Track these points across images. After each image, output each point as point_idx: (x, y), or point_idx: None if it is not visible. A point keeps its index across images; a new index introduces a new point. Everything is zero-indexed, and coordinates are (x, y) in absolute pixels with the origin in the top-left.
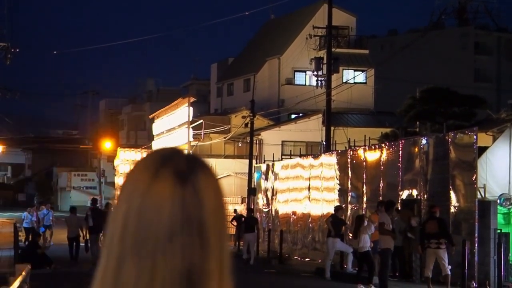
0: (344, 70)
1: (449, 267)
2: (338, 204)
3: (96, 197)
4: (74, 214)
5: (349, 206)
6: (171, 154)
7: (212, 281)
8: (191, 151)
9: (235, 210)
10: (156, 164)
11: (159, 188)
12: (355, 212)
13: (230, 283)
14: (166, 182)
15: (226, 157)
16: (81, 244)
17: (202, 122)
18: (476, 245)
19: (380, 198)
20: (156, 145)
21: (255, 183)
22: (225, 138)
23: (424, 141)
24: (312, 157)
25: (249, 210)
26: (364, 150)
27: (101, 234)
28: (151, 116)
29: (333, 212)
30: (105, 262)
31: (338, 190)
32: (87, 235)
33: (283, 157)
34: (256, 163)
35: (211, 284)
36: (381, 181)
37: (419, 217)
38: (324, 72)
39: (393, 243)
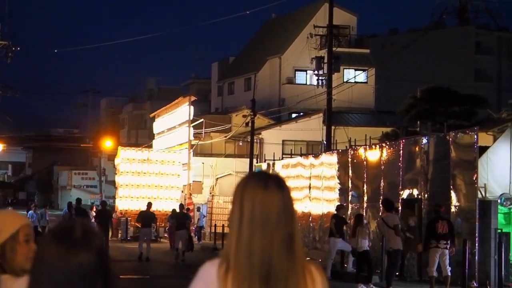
0: (345, 70)
1: (449, 268)
2: (338, 203)
3: (97, 196)
4: (71, 210)
5: (350, 206)
6: (268, 173)
7: (298, 239)
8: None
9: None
10: (264, 180)
11: (272, 191)
12: (355, 212)
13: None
14: (274, 189)
15: (227, 156)
16: None
17: (202, 121)
18: (476, 244)
19: (381, 197)
20: (157, 144)
21: None
22: (225, 137)
23: (424, 141)
24: (312, 156)
25: None
26: (365, 149)
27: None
28: (152, 115)
29: (335, 212)
30: (237, 235)
31: (339, 190)
32: None
33: (283, 156)
34: (257, 162)
35: (298, 241)
36: (382, 180)
37: (417, 216)
38: (325, 71)
39: (402, 244)
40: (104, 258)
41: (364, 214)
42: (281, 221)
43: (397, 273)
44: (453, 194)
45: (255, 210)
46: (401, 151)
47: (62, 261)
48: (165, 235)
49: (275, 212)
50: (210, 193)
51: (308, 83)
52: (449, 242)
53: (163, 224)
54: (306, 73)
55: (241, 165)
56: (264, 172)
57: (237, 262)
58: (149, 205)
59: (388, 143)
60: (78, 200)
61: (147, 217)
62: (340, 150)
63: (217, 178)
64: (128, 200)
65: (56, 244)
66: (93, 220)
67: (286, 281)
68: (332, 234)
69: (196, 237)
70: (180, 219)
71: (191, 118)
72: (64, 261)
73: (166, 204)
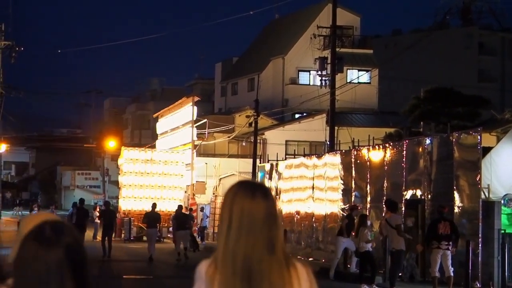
0: (348, 70)
1: (452, 268)
2: (342, 203)
3: (101, 196)
4: (72, 210)
5: (347, 211)
6: (255, 183)
7: (280, 241)
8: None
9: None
10: (252, 190)
11: (258, 201)
12: (359, 212)
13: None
14: (260, 199)
15: (230, 156)
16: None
17: (206, 122)
18: (480, 245)
19: (384, 198)
20: (160, 144)
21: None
22: (229, 137)
23: (428, 141)
24: (316, 156)
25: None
26: (368, 150)
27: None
28: (155, 115)
29: (348, 212)
30: (225, 239)
31: (342, 190)
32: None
33: (287, 156)
34: (260, 163)
35: (280, 243)
36: (385, 181)
37: (421, 217)
38: (328, 72)
39: (405, 244)
40: (74, 254)
41: (368, 214)
42: (265, 227)
43: (400, 274)
44: (456, 195)
45: (243, 218)
46: (405, 152)
47: (34, 258)
48: (169, 235)
49: (260, 219)
50: (213, 193)
51: (311, 83)
52: (451, 243)
53: (166, 225)
54: (310, 74)
55: (244, 166)
56: (251, 182)
57: (223, 264)
58: (154, 205)
59: (391, 143)
60: (81, 200)
61: (152, 217)
62: (343, 151)
63: (220, 179)
64: (131, 200)
65: (30, 243)
66: (97, 220)
67: (269, 280)
68: (341, 233)
69: (199, 237)
70: (180, 219)
71: (195, 119)
72: (36, 258)
73: (169, 204)
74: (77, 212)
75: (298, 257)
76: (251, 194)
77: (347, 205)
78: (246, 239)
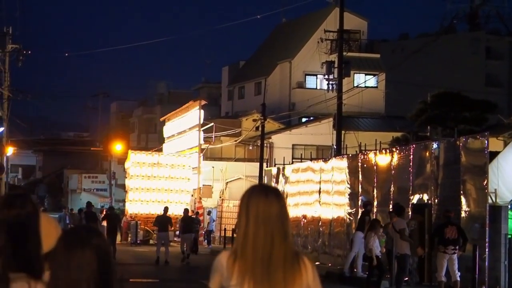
0: (355, 74)
1: (459, 273)
2: (348, 207)
3: (107, 199)
4: (80, 215)
5: (360, 210)
6: (268, 186)
7: (291, 235)
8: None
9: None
10: (265, 191)
11: (272, 199)
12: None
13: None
14: (273, 198)
15: (237, 160)
16: None
17: (213, 125)
18: (486, 250)
19: (391, 202)
20: (167, 148)
21: None
22: (235, 141)
23: (435, 146)
24: (322, 160)
25: None
26: (375, 154)
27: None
28: (162, 119)
29: (363, 209)
30: (244, 232)
31: (349, 194)
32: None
33: (293, 160)
34: (267, 167)
35: (291, 237)
36: (392, 185)
37: (427, 221)
38: (335, 76)
39: (409, 248)
40: (102, 254)
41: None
42: (279, 221)
43: (406, 278)
44: (463, 199)
45: (259, 213)
46: (411, 156)
47: (69, 255)
48: (175, 238)
49: (274, 215)
50: (220, 197)
51: (318, 87)
52: (457, 247)
53: (173, 228)
54: (317, 78)
55: (251, 169)
56: (265, 185)
57: (244, 253)
58: (166, 209)
59: (398, 148)
60: (88, 204)
61: (163, 221)
62: (350, 155)
63: (227, 182)
64: (138, 204)
65: (64, 242)
66: (103, 223)
67: (284, 266)
68: (360, 229)
69: (206, 241)
70: (186, 222)
71: (201, 122)
72: (70, 256)
73: (176, 208)
74: (85, 215)
75: None
76: (265, 195)
77: (354, 209)
78: (264, 229)
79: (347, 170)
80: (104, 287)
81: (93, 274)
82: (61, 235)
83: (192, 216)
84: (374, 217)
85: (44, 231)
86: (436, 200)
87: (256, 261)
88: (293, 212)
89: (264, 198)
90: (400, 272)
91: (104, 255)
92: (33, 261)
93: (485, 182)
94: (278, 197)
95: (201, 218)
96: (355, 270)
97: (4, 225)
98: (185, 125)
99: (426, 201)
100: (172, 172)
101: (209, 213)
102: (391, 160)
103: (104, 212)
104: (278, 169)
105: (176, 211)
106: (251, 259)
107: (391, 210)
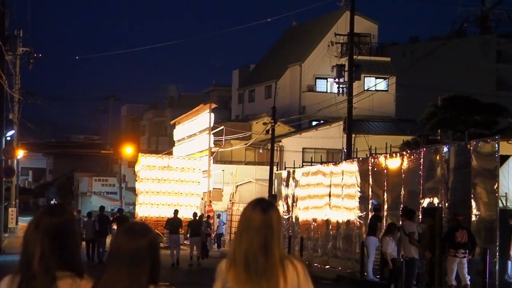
0: (365, 78)
1: (469, 277)
2: (358, 211)
3: (117, 202)
4: (91, 218)
5: (370, 214)
6: (260, 199)
7: (278, 242)
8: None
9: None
10: (254, 204)
11: (258, 212)
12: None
13: (284, 251)
14: (259, 210)
15: (247, 163)
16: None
17: (223, 129)
18: (497, 254)
19: (401, 206)
20: (177, 151)
21: (275, 190)
22: (246, 144)
23: (445, 149)
24: (333, 164)
25: None
26: (385, 157)
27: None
28: (172, 122)
29: (374, 212)
30: (236, 238)
31: (359, 198)
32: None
33: (304, 164)
34: (277, 170)
35: (275, 250)
36: (402, 189)
37: (438, 225)
38: (346, 79)
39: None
40: (154, 245)
41: (384, 222)
42: (266, 230)
43: (415, 282)
44: (473, 203)
45: (247, 224)
46: (422, 160)
47: (128, 243)
48: (185, 242)
49: (260, 225)
50: (230, 200)
51: (328, 91)
52: (467, 251)
53: (183, 232)
54: (327, 81)
55: (261, 173)
56: (259, 198)
57: (235, 259)
58: (176, 212)
59: (408, 151)
60: (101, 208)
61: (174, 223)
62: (360, 158)
63: (237, 186)
64: (148, 207)
65: (124, 234)
66: (114, 226)
67: (271, 271)
68: (372, 233)
69: (216, 244)
70: (193, 226)
71: (212, 126)
72: (129, 244)
73: (186, 211)
74: (99, 219)
75: (315, 264)
76: (253, 207)
77: (364, 213)
78: (251, 238)
79: (357, 174)
80: (154, 270)
81: (146, 259)
82: (124, 228)
83: (203, 219)
84: (385, 220)
85: None
86: (446, 204)
87: (244, 266)
88: (303, 215)
89: (251, 210)
90: (409, 276)
91: (155, 245)
92: (74, 261)
93: (496, 186)
94: (264, 211)
95: (211, 221)
96: (365, 274)
97: (47, 231)
98: (195, 128)
99: (436, 205)
100: (182, 175)
101: (218, 216)
102: (402, 164)
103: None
104: (288, 172)
105: (186, 214)
106: (241, 265)
107: (400, 213)
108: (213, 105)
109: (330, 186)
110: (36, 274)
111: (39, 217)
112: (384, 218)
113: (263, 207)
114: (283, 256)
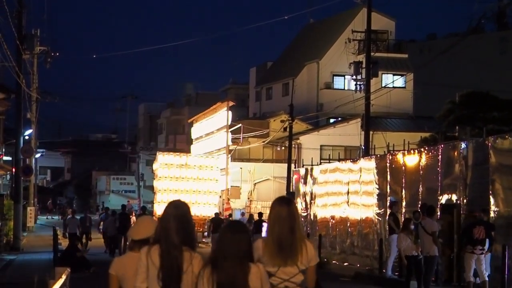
0: (383, 75)
1: (487, 273)
2: (377, 208)
3: (136, 201)
4: (113, 216)
5: (388, 211)
6: (283, 197)
7: (297, 228)
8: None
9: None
10: (279, 200)
11: (283, 206)
12: (398, 208)
13: (303, 233)
14: (285, 205)
15: (265, 161)
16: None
17: (240, 126)
18: None
19: (420, 202)
20: (195, 149)
21: (293, 187)
22: (263, 142)
23: (463, 146)
24: (351, 161)
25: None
26: (403, 154)
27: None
28: (189, 120)
29: (390, 210)
30: (268, 225)
31: (377, 195)
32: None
33: (321, 161)
34: (295, 168)
35: (297, 231)
36: (420, 185)
37: (456, 221)
38: (363, 76)
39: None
40: (250, 239)
41: (402, 219)
42: (289, 220)
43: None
44: (492, 199)
45: (275, 215)
46: (440, 156)
47: (231, 238)
48: (203, 240)
49: (285, 216)
50: (248, 198)
51: (346, 88)
52: (485, 247)
53: (201, 229)
54: (344, 78)
55: (279, 170)
56: (282, 196)
57: (270, 239)
58: (217, 214)
59: (426, 148)
60: (123, 206)
61: (217, 222)
62: (378, 155)
63: (255, 183)
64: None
65: (228, 230)
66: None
67: (290, 248)
68: (392, 232)
69: None
70: (216, 223)
71: (229, 123)
72: (232, 238)
73: (204, 209)
74: (120, 216)
75: (333, 261)
76: (279, 203)
77: (382, 210)
78: (279, 225)
79: (375, 171)
80: (250, 257)
81: (244, 249)
82: (227, 224)
83: (221, 217)
84: (402, 218)
85: (143, 224)
86: (464, 200)
87: (278, 244)
88: (321, 213)
89: (279, 206)
90: (428, 273)
91: (249, 239)
92: (191, 238)
93: None
94: (288, 205)
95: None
96: (384, 271)
97: (176, 218)
98: (213, 126)
99: (454, 201)
100: (200, 173)
101: (242, 214)
102: (420, 161)
103: (133, 214)
104: (306, 170)
105: (204, 213)
106: (274, 244)
107: (419, 210)
108: (231, 103)
109: (348, 183)
110: (176, 244)
111: (169, 208)
112: (403, 215)
113: (286, 202)
114: (302, 236)
